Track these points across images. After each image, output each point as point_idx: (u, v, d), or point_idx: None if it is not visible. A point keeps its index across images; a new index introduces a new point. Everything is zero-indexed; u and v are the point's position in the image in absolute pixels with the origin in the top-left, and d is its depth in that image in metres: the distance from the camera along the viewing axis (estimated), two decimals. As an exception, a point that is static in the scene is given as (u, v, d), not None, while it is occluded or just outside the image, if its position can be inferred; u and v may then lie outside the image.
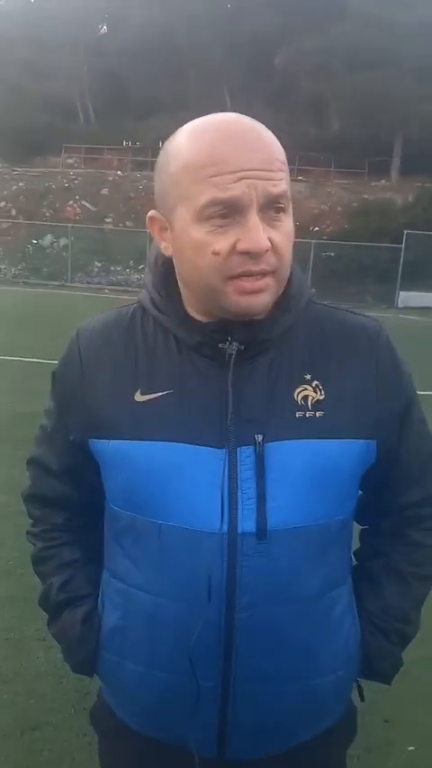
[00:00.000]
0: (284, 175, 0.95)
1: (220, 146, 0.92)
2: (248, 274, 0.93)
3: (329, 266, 24.79)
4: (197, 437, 0.99)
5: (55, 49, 41.60)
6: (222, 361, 1.00)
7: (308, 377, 1.03)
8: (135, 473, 1.01)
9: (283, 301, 1.04)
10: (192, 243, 0.95)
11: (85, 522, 1.18)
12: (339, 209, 30.79)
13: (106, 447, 1.04)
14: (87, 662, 1.15)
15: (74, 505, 1.18)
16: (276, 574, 1.00)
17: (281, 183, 0.93)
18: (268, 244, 0.92)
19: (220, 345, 1.00)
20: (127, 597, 1.07)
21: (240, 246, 0.92)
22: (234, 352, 0.99)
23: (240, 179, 0.90)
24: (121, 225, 30.86)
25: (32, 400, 6.87)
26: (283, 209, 0.95)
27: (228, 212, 0.92)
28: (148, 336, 1.06)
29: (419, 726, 2.52)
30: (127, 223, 30.82)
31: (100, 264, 29.08)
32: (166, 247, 1.03)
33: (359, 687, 1.21)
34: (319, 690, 1.08)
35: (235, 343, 0.99)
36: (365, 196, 31.20)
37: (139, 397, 1.02)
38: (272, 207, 0.93)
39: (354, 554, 1.19)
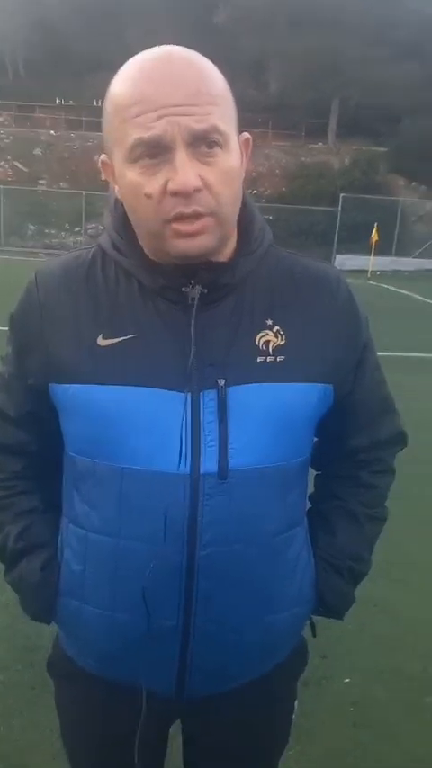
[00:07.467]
0: (215, 108, 0.90)
1: (142, 83, 0.89)
2: (181, 217, 0.91)
3: (268, 229, 24.66)
4: (160, 381, 0.98)
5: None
6: (185, 305, 0.99)
7: (269, 322, 1.03)
8: (96, 418, 1.00)
9: (245, 244, 1.03)
10: (127, 186, 0.94)
11: (44, 470, 1.16)
12: (277, 171, 30.73)
13: (67, 392, 1.02)
14: (46, 609, 1.15)
15: (32, 453, 1.16)
16: (236, 512, 1.01)
17: (208, 118, 0.89)
18: (197, 183, 0.89)
19: (183, 289, 0.99)
20: (87, 542, 1.07)
21: (169, 187, 0.89)
22: (197, 296, 0.98)
23: (161, 117, 0.87)
24: (55, 186, 29.92)
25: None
26: (217, 144, 0.91)
27: (155, 152, 0.89)
28: (109, 280, 1.04)
29: (353, 660, 2.72)
30: (61, 184, 29.90)
31: (34, 227, 28.20)
32: (117, 190, 1.00)
33: (312, 624, 1.26)
34: (276, 627, 1.11)
35: (198, 287, 0.98)
36: (303, 159, 31.23)
37: (101, 342, 1.00)
38: (203, 143, 0.89)
39: (308, 497, 1.21)
